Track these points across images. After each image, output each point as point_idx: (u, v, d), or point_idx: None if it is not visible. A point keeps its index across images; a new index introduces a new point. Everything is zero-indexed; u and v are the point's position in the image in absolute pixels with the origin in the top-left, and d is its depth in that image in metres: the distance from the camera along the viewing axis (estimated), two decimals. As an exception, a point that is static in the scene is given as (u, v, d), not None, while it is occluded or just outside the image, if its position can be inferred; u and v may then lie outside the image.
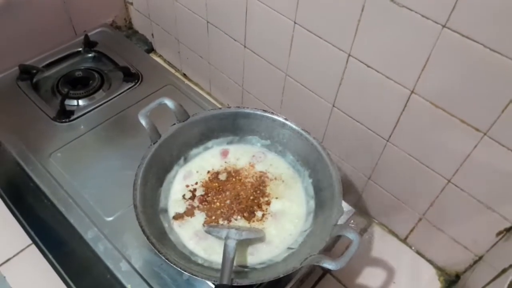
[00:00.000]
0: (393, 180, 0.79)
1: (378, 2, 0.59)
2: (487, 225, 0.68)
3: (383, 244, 0.86)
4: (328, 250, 0.76)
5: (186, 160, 0.75)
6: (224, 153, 0.77)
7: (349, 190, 0.89)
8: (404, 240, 0.86)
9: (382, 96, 0.68)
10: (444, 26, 0.54)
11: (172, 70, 1.16)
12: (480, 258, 0.73)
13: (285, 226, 0.68)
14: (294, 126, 0.73)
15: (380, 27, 0.61)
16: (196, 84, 1.15)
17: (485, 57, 0.52)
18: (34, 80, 0.95)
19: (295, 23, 0.73)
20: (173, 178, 0.73)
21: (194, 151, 0.75)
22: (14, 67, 0.96)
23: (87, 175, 0.79)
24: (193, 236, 0.67)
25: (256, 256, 0.65)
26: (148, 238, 0.59)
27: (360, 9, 0.61)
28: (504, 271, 0.59)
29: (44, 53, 1.01)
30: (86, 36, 1.03)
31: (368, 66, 0.66)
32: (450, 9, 0.52)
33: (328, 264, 0.54)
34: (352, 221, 0.88)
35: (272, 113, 0.74)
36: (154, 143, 0.68)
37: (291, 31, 0.74)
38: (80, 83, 0.96)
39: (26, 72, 0.95)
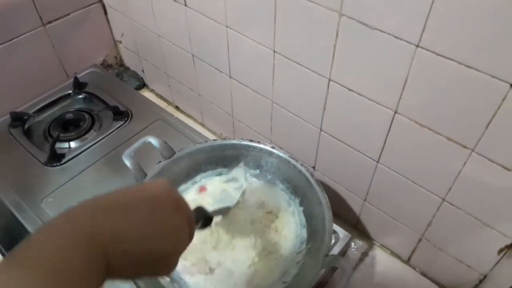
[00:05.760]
0: (388, 201, 0.77)
1: (351, 26, 0.58)
2: (487, 243, 0.65)
3: (386, 267, 0.84)
4: (327, 280, 0.73)
5: (175, 197, 0.74)
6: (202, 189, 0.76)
7: (346, 213, 0.87)
8: (407, 262, 0.84)
9: (367, 118, 0.67)
10: (417, 46, 0.53)
11: (165, 104, 1.17)
12: (485, 277, 0.70)
13: (277, 258, 0.67)
14: (281, 154, 0.72)
15: (356, 51, 0.61)
16: (189, 116, 1.15)
17: (461, 74, 0.51)
18: (26, 126, 0.96)
19: (274, 51, 0.73)
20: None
21: (182, 186, 0.75)
22: (6, 114, 0.97)
23: (78, 219, 0.78)
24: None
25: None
26: (135, 282, 0.58)
27: (335, 34, 0.61)
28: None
29: (36, 98, 1.02)
30: (76, 79, 1.05)
31: (350, 90, 0.66)
32: (421, 29, 0.51)
33: (320, 299, 0.53)
34: (352, 244, 0.86)
35: (259, 142, 0.73)
36: (140, 183, 0.68)
37: (272, 60, 0.74)
38: (71, 125, 0.97)
39: (18, 119, 0.96)
